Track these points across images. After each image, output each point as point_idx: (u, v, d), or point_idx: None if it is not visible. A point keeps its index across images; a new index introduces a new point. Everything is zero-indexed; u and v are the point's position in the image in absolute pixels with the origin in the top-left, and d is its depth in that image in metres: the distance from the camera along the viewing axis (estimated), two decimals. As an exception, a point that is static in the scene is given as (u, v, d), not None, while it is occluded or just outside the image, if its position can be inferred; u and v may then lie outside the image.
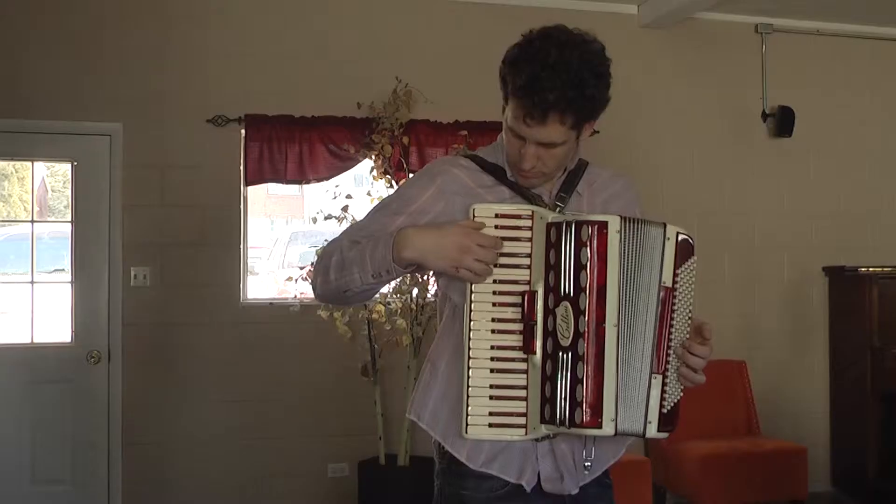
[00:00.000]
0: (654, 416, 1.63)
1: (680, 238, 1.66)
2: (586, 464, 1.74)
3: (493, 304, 1.65)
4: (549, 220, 1.63)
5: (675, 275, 1.65)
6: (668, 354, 1.65)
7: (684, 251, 1.66)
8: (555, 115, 1.62)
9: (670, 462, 4.92)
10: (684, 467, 4.80)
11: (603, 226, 1.57)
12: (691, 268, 1.68)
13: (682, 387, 1.69)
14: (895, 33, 5.84)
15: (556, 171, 1.77)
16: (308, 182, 4.93)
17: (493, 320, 1.65)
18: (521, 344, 1.64)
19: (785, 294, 5.67)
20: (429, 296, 4.59)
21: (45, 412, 4.65)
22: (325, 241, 4.66)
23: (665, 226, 1.65)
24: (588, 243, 1.56)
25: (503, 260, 1.65)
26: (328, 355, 4.86)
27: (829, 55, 5.76)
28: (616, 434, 1.59)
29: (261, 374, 4.87)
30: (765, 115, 5.56)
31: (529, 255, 1.65)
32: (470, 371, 1.65)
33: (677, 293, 1.66)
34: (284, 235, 10.52)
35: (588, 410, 1.56)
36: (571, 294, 1.58)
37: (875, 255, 5.69)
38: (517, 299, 1.64)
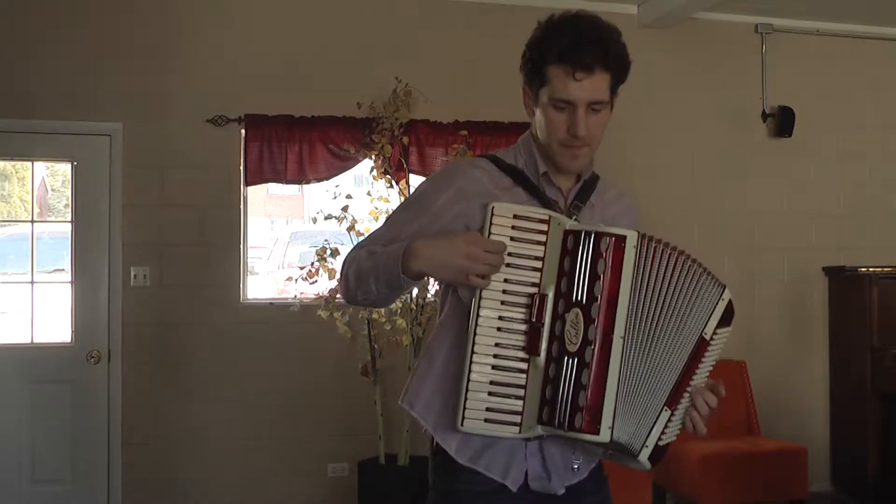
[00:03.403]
0: (651, 443, 1.68)
1: (727, 305, 1.75)
2: (574, 466, 1.77)
3: (502, 303, 1.67)
4: (567, 227, 1.66)
5: (714, 332, 1.73)
6: (683, 396, 1.72)
7: (727, 317, 1.75)
8: (601, 67, 1.68)
9: (670, 462, 4.91)
10: (684, 467, 4.80)
11: (621, 240, 1.62)
12: (725, 334, 1.76)
13: (679, 429, 1.75)
14: (895, 33, 5.84)
15: (597, 146, 1.79)
16: (308, 182, 4.93)
17: (500, 318, 1.66)
18: (525, 344, 1.66)
19: (785, 294, 5.67)
20: (429, 296, 4.59)
21: (45, 412, 4.66)
22: (326, 241, 4.68)
23: (725, 288, 1.75)
24: (605, 255, 1.61)
25: (515, 261, 1.66)
26: (328, 355, 4.86)
27: (829, 55, 5.76)
28: (611, 442, 1.62)
29: (261, 374, 4.87)
30: (765, 115, 5.56)
31: (542, 259, 1.66)
32: (472, 366, 1.66)
33: (710, 349, 1.73)
34: (284, 235, 10.55)
35: (588, 416, 1.59)
36: (584, 302, 1.62)
37: (875, 255, 5.68)
38: (526, 300, 1.66)
